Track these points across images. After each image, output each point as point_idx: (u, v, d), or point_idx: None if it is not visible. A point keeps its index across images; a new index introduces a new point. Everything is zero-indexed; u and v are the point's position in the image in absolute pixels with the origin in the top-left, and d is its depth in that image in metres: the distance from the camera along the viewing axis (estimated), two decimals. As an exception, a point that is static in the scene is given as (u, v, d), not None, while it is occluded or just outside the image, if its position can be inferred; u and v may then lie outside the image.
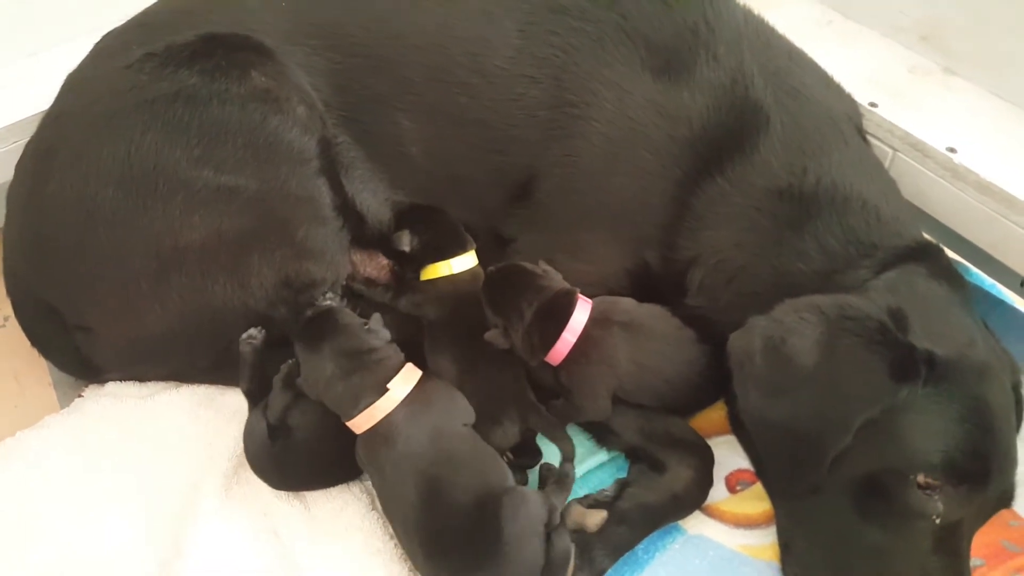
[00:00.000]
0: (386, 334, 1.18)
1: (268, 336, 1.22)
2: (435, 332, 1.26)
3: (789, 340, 1.05)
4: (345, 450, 1.17)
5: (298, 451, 1.17)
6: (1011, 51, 1.37)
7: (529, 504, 1.05)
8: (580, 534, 1.11)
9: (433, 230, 1.32)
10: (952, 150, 1.32)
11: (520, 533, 1.02)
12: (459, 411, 1.14)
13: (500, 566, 1.01)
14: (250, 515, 1.18)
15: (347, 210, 1.29)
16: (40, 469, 1.24)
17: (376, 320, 1.19)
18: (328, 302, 1.23)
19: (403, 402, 1.10)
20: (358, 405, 1.09)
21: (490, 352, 1.21)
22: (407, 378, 1.12)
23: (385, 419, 1.09)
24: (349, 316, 1.17)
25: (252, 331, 1.21)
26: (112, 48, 1.28)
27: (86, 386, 1.37)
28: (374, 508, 1.19)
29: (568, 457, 1.17)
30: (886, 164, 1.39)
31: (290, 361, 1.17)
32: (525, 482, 1.20)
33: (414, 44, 1.28)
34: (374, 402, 1.09)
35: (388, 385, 1.10)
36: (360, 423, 1.09)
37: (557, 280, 1.23)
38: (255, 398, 1.20)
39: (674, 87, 1.23)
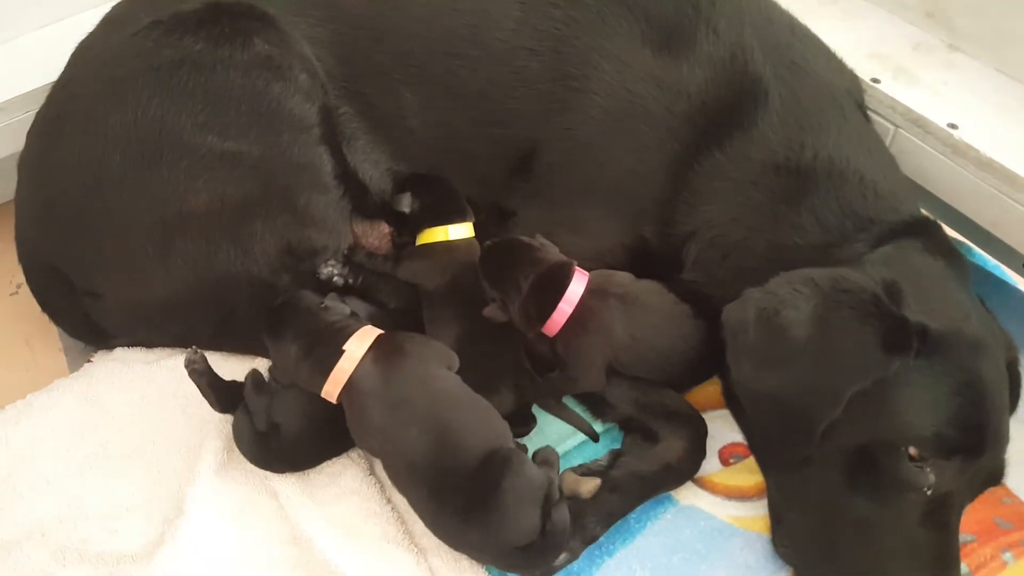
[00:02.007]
0: (344, 309, 1.20)
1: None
2: (433, 303, 1.28)
3: (783, 312, 1.06)
4: (336, 432, 1.18)
5: (290, 441, 1.18)
6: (1016, 28, 1.35)
7: (530, 467, 1.07)
8: (573, 501, 1.12)
9: (434, 195, 1.33)
10: (953, 126, 1.31)
11: (519, 491, 1.03)
12: (437, 355, 1.15)
13: (496, 520, 1.02)
14: (250, 477, 1.21)
15: (349, 179, 1.30)
16: (49, 429, 1.27)
17: (332, 298, 1.20)
18: (330, 269, 1.25)
19: (370, 359, 1.11)
20: (324, 374, 1.10)
21: (487, 324, 1.22)
22: (363, 336, 1.13)
23: (355, 379, 1.10)
24: (308, 299, 1.19)
25: (189, 354, 1.18)
26: (120, 17, 1.30)
27: (95, 351, 1.40)
28: (372, 473, 1.22)
29: (573, 422, 1.19)
30: (887, 140, 1.38)
31: (252, 369, 1.19)
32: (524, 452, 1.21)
33: (415, 16, 1.29)
34: (334, 365, 1.10)
35: (344, 347, 1.11)
36: (331, 389, 1.11)
37: (553, 252, 1.24)
38: (230, 411, 1.21)
39: (674, 61, 1.23)
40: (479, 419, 1.10)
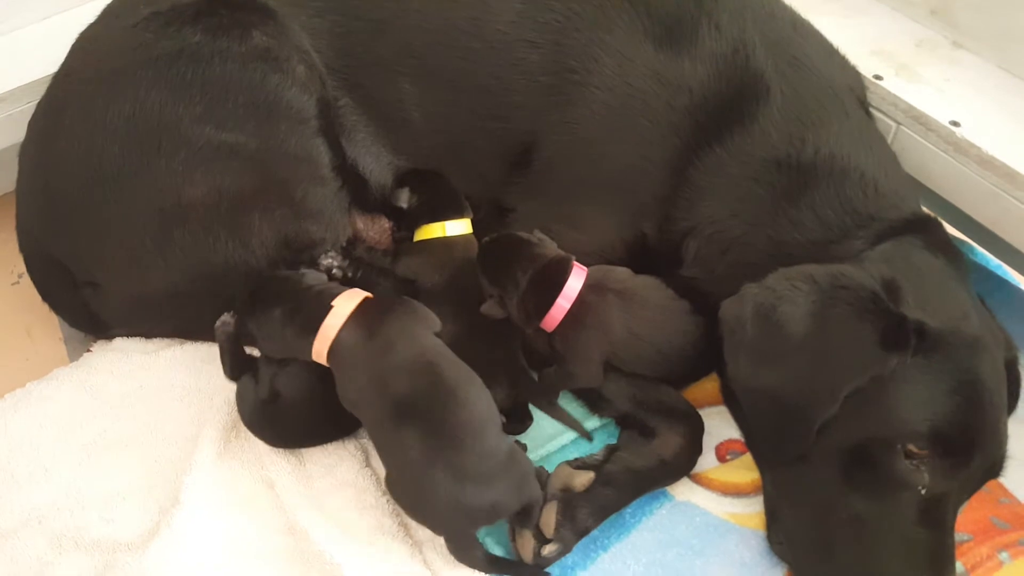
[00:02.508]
0: (322, 277, 1.20)
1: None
2: (429, 299, 1.27)
3: (780, 308, 1.05)
4: (335, 410, 1.18)
5: (289, 413, 1.19)
6: (1019, 26, 1.35)
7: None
8: (566, 494, 1.12)
9: (432, 191, 1.33)
10: (955, 124, 1.30)
11: (517, 456, 1.06)
12: (423, 317, 1.15)
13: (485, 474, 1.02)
14: (247, 467, 1.21)
15: (347, 172, 1.30)
16: (47, 417, 1.28)
17: (311, 272, 1.21)
18: (329, 260, 1.26)
19: (356, 318, 1.10)
20: (311, 332, 1.10)
21: (483, 321, 1.22)
22: (350, 296, 1.13)
23: (342, 336, 1.09)
24: (283, 271, 1.19)
25: (225, 316, 1.20)
26: (121, 8, 1.30)
27: (94, 341, 1.41)
28: (368, 465, 1.22)
29: (565, 420, 1.19)
30: (889, 137, 1.38)
31: None
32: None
33: (415, 8, 1.29)
34: (320, 323, 1.10)
35: (332, 303, 1.11)
36: (320, 348, 1.10)
37: (552, 248, 1.24)
38: (239, 378, 1.22)
39: (675, 56, 1.23)
40: (473, 379, 1.09)
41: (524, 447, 1.22)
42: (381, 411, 1.07)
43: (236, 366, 1.21)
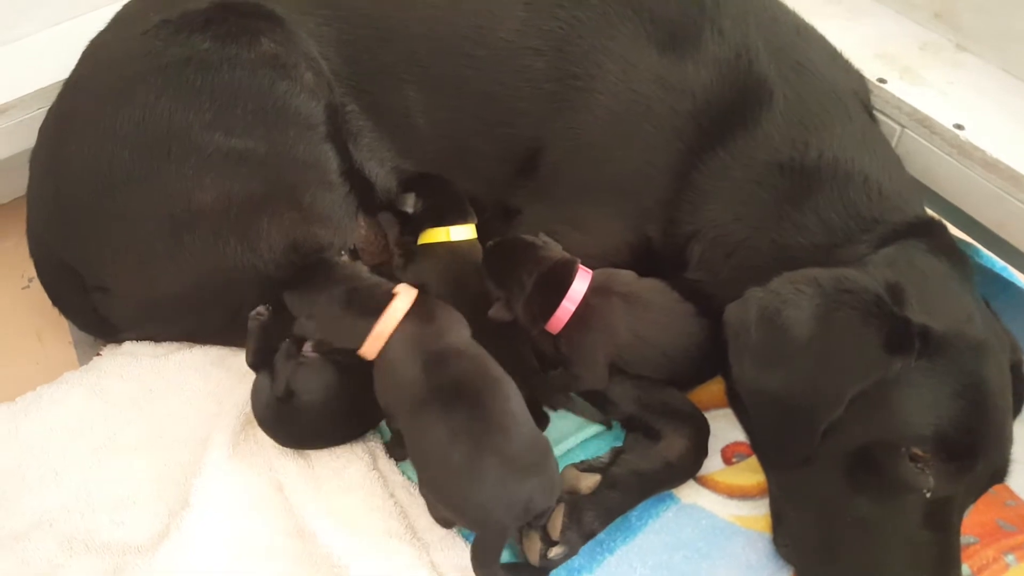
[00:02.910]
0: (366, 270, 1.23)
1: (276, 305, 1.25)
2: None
3: (785, 311, 1.06)
4: (347, 412, 1.22)
5: (302, 412, 1.20)
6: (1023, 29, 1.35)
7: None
8: (573, 496, 1.13)
9: (437, 196, 1.34)
10: (959, 127, 1.30)
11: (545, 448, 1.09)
12: (459, 322, 1.18)
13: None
14: (256, 470, 1.22)
15: (355, 177, 1.31)
16: (58, 421, 1.29)
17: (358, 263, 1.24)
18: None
19: (413, 311, 1.14)
20: (371, 317, 1.12)
21: (491, 323, 1.23)
22: (408, 289, 1.17)
23: (392, 340, 1.12)
24: (342, 259, 1.23)
25: (260, 308, 1.23)
26: (131, 16, 1.32)
27: (104, 345, 1.42)
28: (375, 468, 1.23)
29: (582, 412, 1.21)
30: (894, 141, 1.38)
31: (288, 339, 1.21)
32: None
33: (421, 16, 1.30)
34: (376, 321, 1.12)
35: (394, 291, 1.14)
36: (381, 330, 1.12)
37: (557, 250, 1.25)
38: (259, 369, 1.23)
39: (679, 61, 1.24)
40: (507, 376, 1.12)
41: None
42: (428, 396, 1.08)
43: (258, 356, 1.23)
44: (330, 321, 1.16)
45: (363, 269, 1.23)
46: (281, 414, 1.20)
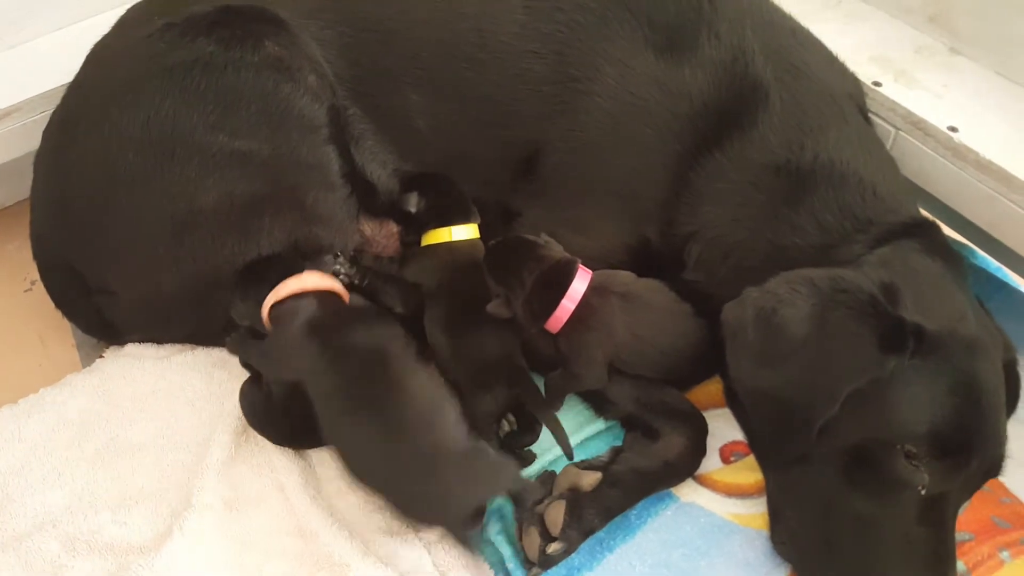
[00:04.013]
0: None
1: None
2: (432, 302, 1.30)
3: (781, 311, 1.07)
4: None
5: (290, 411, 1.20)
6: (1017, 32, 1.36)
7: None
8: (573, 494, 1.14)
9: (440, 196, 1.35)
10: (953, 129, 1.32)
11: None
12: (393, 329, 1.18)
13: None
14: (257, 470, 1.23)
15: (356, 179, 1.33)
16: (61, 423, 1.30)
17: (340, 261, 1.26)
18: (337, 267, 1.28)
19: (317, 298, 1.15)
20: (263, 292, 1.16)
21: (484, 322, 1.24)
22: (322, 276, 1.19)
23: (298, 306, 1.14)
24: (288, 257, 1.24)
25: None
26: (135, 19, 1.33)
27: (107, 347, 1.43)
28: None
29: (553, 429, 1.20)
30: (888, 143, 1.40)
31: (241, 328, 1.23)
32: (523, 465, 1.22)
33: (422, 19, 1.31)
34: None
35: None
36: (268, 300, 1.15)
37: (558, 250, 1.26)
38: (252, 368, 1.25)
39: (676, 64, 1.25)
40: (427, 383, 1.12)
41: (533, 455, 1.23)
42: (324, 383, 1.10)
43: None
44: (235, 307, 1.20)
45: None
46: (270, 415, 1.21)
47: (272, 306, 1.16)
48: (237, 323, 1.24)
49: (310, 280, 1.16)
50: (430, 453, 1.04)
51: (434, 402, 1.09)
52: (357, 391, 1.08)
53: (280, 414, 1.21)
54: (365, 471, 1.10)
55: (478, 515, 1.08)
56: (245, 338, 1.23)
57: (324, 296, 1.17)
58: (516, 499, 1.10)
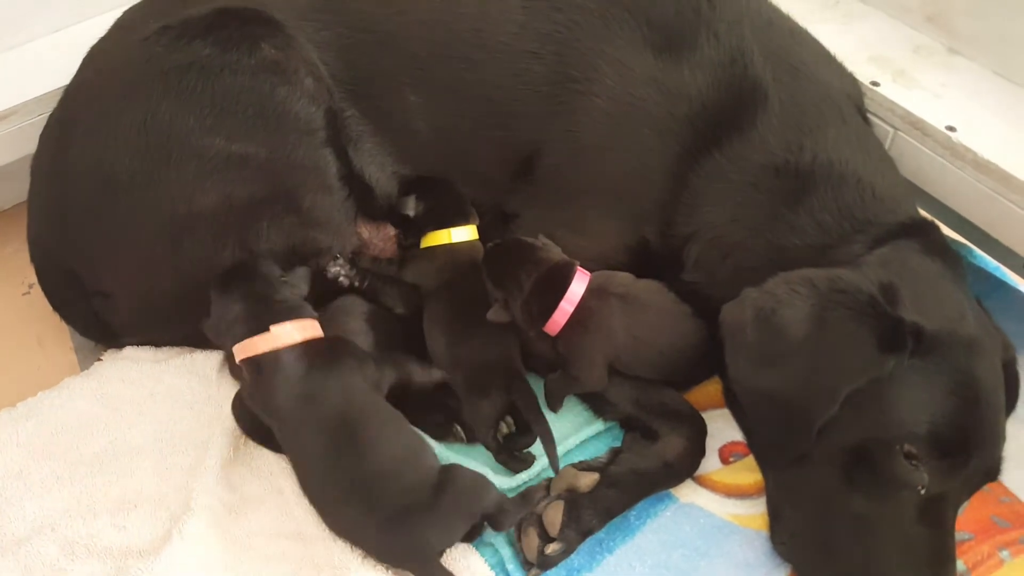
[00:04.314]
0: (302, 290, 1.21)
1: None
2: (431, 303, 1.30)
3: (780, 311, 1.07)
4: None
5: None
6: (1015, 32, 1.36)
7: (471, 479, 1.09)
8: (571, 494, 1.14)
9: (438, 198, 1.35)
10: (951, 129, 1.32)
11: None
12: (368, 373, 1.16)
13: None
14: (256, 474, 1.23)
15: (354, 181, 1.32)
16: (59, 426, 1.29)
17: (298, 275, 1.22)
18: (337, 268, 1.28)
19: (298, 349, 1.12)
20: (240, 335, 1.12)
21: (481, 325, 1.24)
22: (301, 327, 1.14)
23: (280, 359, 1.12)
24: (268, 266, 1.20)
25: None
26: (131, 22, 1.33)
27: (105, 350, 1.42)
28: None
29: (543, 439, 1.19)
30: (887, 143, 1.39)
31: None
32: (523, 468, 1.22)
33: (419, 20, 1.31)
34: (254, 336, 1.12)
35: (271, 327, 1.12)
36: (240, 349, 1.13)
37: (556, 252, 1.26)
38: (239, 375, 1.23)
39: (675, 64, 1.25)
40: (395, 438, 1.11)
41: (532, 457, 1.23)
42: (293, 446, 1.12)
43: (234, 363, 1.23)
44: (223, 330, 1.16)
45: (294, 285, 1.21)
46: (260, 424, 1.19)
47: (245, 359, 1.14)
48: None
49: (283, 336, 1.13)
50: (401, 503, 1.05)
51: (406, 449, 1.10)
52: (327, 454, 1.09)
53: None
54: (336, 525, 1.11)
55: (469, 537, 1.08)
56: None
57: (298, 349, 1.14)
58: (496, 519, 1.09)
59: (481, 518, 1.08)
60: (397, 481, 1.06)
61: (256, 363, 1.12)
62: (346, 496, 1.07)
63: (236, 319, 1.14)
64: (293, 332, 1.13)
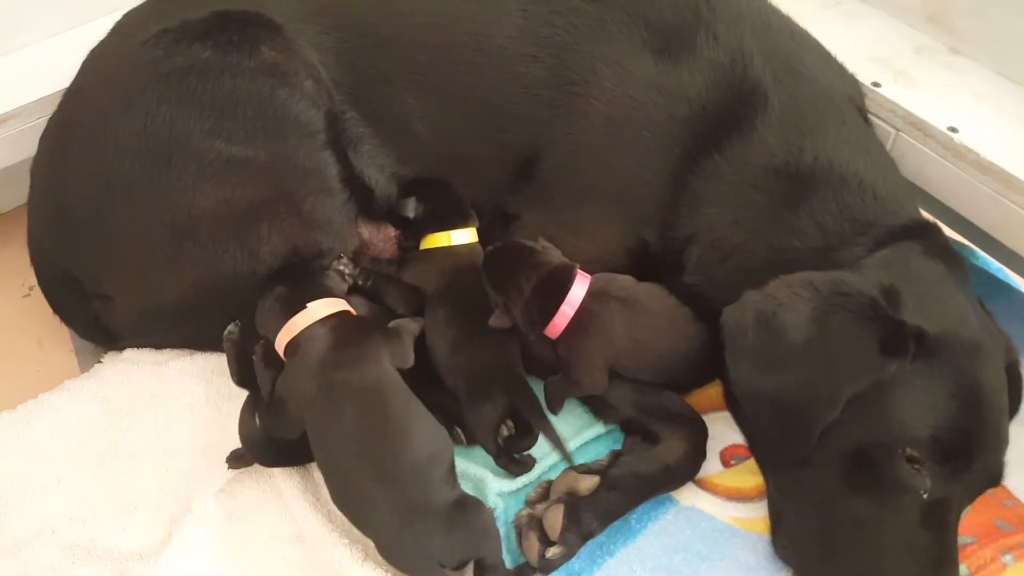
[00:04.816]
0: (342, 286, 1.25)
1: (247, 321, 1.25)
2: (431, 307, 1.29)
3: (781, 314, 1.07)
4: None
5: (290, 421, 1.18)
6: (1017, 32, 1.36)
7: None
8: (571, 497, 1.14)
9: (438, 200, 1.35)
10: (953, 129, 1.31)
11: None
12: (398, 352, 1.17)
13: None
14: (257, 477, 1.23)
15: (354, 183, 1.32)
16: (59, 428, 1.30)
17: (344, 262, 1.27)
18: (341, 268, 1.28)
19: (330, 322, 1.14)
20: (285, 317, 1.15)
21: (482, 329, 1.23)
22: (334, 303, 1.18)
23: (307, 330, 1.14)
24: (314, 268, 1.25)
25: (231, 327, 1.25)
26: (131, 25, 1.33)
27: (105, 353, 1.42)
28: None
29: (550, 439, 1.18)
30: (888, 144, 1.39)
31: (261, 342, 1.22)
32: (523, 470, 1.21)
33: (419, 23, 1.31)
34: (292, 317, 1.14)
35: (308, 304, 1.15)
36: (281, 339, 1.15)
37: (556, 256, 1.26)
38: (249, 385, 1.24)
39: (674, 67, 1.25)
40: (428, 432, 1.10)
41: (532, 460, 1.22)
42: (324, 430, 1.10)
43: (243, 371, 1.24)
44: (261, 313, 1.19)
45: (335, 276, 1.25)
46: (269, 442, 1.19)
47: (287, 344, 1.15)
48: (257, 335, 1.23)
49: (317, 311, 1.15)
50: (420, 502, 1.04)
51: (437, 447, 1.09)
52: (359, 434, 1.08)
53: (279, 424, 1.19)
54: (349, 508, 1.09)
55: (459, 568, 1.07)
56: (265, 366, 1.22)
57: (330, 322, 1.15)
58: (485, 569, 1.07)
59: (475, 563, 1.06)
60: (427, 474, 1.05)
61: (295, 344, 1.13)
62: (378, 478, 1.05)
63: (278, 301, 1.17)
64: (327, 306, 1.16)
